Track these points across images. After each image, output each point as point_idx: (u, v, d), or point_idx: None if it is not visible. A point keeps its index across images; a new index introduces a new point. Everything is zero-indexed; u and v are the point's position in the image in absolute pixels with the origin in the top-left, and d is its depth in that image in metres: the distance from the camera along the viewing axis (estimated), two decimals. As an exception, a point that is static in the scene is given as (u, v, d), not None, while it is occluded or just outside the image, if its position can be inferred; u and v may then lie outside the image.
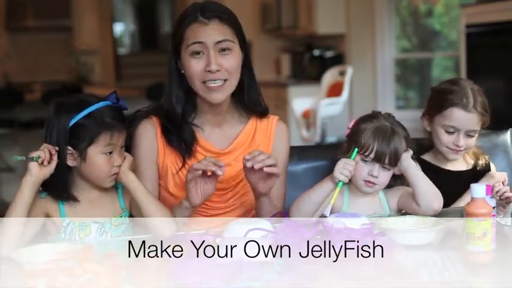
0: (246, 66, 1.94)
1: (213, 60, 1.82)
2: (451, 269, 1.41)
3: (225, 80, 1.86)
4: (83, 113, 1.73)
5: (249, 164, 1.74)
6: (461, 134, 2.03)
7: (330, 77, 6.73)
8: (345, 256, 1.51)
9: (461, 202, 2.01)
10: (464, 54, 5.05)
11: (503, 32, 4.60)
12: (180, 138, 1.92)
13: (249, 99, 1.98)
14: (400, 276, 1.44)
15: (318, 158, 2.27)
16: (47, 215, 1.76)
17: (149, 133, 1.94)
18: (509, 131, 2.41)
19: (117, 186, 1.85)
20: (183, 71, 1.89)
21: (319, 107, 6.35)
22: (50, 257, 1.49)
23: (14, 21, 9.50)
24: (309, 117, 6.52)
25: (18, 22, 9.55)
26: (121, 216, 1.83)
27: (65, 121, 1.73)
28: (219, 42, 1.84)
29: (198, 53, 1.84)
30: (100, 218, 1.79)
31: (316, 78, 6.89)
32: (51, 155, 1.68)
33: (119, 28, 13.51)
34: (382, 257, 1.51)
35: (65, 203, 1.77)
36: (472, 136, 2.05)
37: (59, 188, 1.75)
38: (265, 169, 1.75)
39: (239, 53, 1.89)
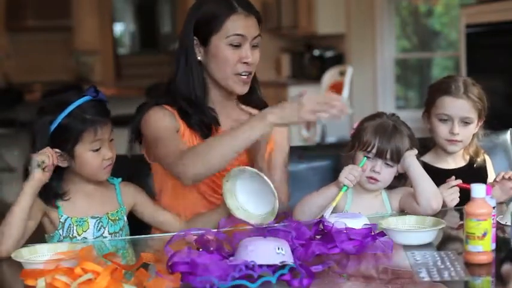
0: None
1: (249, 53, 1.89)
2: (451, 269, 1.41)
3: (250, 73, 1.93)
4: (63, 113, 1.72)
5: None
6: (456, 122, 2.05)
7: (330, 77, 6.73)
8: (345, 256, 1.52)
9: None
10: (464, 54, 5.06)
11: (503, 32, 4.61)
12: (202, 120, 1.92)
13: (256, 95, 2.02)
14: (399, 276, 1.44)
15: (319, 158, 2.28)
16: (45, 212, 1.77)
17: (166, 114, 1.91)
18: (509, 131, 2.41)
19: (114, 182, 1.87)
20: (199, 58, 1.92)
21: (319, 107, 6.34)
22: (50, 257, 1.49)
23: (14, 21, 9.48)
24: (309, 117, 6.51)
25: (18, 22, 9.54)
26: (117, 212, 1.84)
27: (47, 124, 1.73)
28: (255, 37, 1.91)
29: (236, 44, 1.88)
30: (97, 213, 1.81)
31: (316, 78, 6.88)
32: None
33: (119, 28, 13.51)
34: (383, 256, 1.51)
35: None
36: (468, 124, 2.06)
37: (48, 193, 1.75)
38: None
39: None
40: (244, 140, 1.72)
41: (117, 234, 1.83)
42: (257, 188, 1.73)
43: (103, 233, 1.81)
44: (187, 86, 1.93)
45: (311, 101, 1.68)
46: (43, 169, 1.66)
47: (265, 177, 1.69)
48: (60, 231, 1.77)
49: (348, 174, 1.82)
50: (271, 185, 1.68)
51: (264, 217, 1.73)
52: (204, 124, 1.93)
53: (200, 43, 1.92)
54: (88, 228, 1.79)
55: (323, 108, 1.68)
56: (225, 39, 1.88)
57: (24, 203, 1.64)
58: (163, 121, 1.89)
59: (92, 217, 1.80)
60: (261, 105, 2.01)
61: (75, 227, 1.77)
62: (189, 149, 1.80)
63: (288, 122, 1.72)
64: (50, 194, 1.76)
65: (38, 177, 1.66)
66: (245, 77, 1.91)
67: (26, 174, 1.72)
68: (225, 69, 1.90)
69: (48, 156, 1.67)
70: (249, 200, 1.77)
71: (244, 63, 1.89)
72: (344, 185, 1.82)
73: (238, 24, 1.88)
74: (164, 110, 1.91)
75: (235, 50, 1.89)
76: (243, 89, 1.94)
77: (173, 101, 1.93)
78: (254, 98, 2.02)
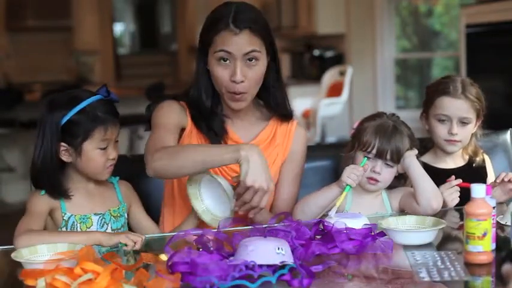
0: (274, 70, 1.94)
1: (238, 71, 1.82)
2: (451, 269, 1.41)
3: (243, 92, 1.86)
4: (75, 109, 1.74)
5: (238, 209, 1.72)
6: (454, 122, 2.05)
7: (330, 77, 6.74)
8: (345, 256, 1.52)
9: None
10: (464, 54, 5.06)
11: (503, 32, 4.61)
12: (210, 127, 1.92)
13: (274, 101, 1.98)
14: (399, 276, 1.44)
15: (319, 158, 2.28)
16: (50, 210, 1.78)
17: (177, 109, 1.92)
18: (509, 131, 2.41)
19: (113, 181, 1.88)
20: (208, 67, 1.89)
21: (319, 107, 6.35)
22: (50, 257, 1.49)
23: (14, 21, 9.48)
24: (309, 117, 6.53)
25: (18, 22, 9.54)
26: (118, 208, 1.85)
27: (57, 118, 1.74)
28: (246, 53, 1.82)
29: (224, 60, 1.83)
30: (99, 210, 1.81)
31: (316, 78, 6.89)
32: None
33: (119, 28, 13.51)
34: (383, 256, 1.51)
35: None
36: (466, 124, 2.06)
37: (55, 186, 1.77)
38: (250, 214, 1.73)
39: (264, 63, 1.88)
40: (214, 161, 1.70)
41: (119, 231, 1.83)
42: (220, 190, 1.77)
43: (106, 229, 1.81)
44: (198, 93, 1.93)
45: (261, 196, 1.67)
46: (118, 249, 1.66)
47: (219, 179, 1.72)
48: (64, 228, 1.77)
49: (350, 173, 1.82)
50: (224, 186, 1.71)
51: (228, 218, 1.76)
52: (213, 130, 1.93)
53: (203, 53, 1.90)
54: (91, 225, 1.79)
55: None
56: (213, 54, 1.84)
57: (72, 241, 1.59)
58: (169, 115, 1.89)
59: (95, 214, 1.81)
60: (280, 110, 2.00)
61: (78, 224, 1.78)
62: (167, 147, 1.78)
63: (250, 173, 1.65)
64: (58, 189, 1.76)
65: (104, 244, 1.62)
66: (239, 95, 1.86)
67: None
68: (219, 86, 1.87)
69: (131, 240, 1.63)
70: (213, 202, 1.82)
71: (234, 81, 1.83)
72: (347, 185, 1.82)
73: (226, 41, 1.81)
74: (177, 105, 1.92)
75: (225, 67, 1.83)
76: (237, 106, 1.89)
77: (188, 101, 1.94)
78: (271, 102, 1.98)
